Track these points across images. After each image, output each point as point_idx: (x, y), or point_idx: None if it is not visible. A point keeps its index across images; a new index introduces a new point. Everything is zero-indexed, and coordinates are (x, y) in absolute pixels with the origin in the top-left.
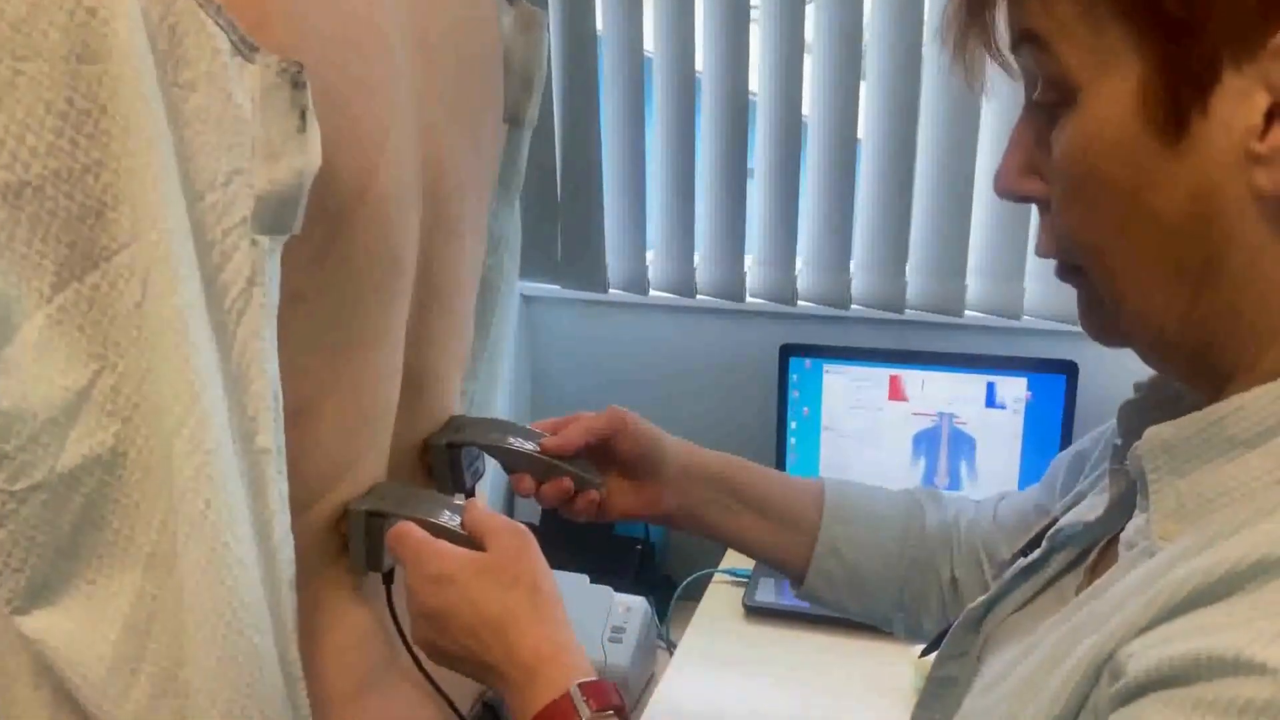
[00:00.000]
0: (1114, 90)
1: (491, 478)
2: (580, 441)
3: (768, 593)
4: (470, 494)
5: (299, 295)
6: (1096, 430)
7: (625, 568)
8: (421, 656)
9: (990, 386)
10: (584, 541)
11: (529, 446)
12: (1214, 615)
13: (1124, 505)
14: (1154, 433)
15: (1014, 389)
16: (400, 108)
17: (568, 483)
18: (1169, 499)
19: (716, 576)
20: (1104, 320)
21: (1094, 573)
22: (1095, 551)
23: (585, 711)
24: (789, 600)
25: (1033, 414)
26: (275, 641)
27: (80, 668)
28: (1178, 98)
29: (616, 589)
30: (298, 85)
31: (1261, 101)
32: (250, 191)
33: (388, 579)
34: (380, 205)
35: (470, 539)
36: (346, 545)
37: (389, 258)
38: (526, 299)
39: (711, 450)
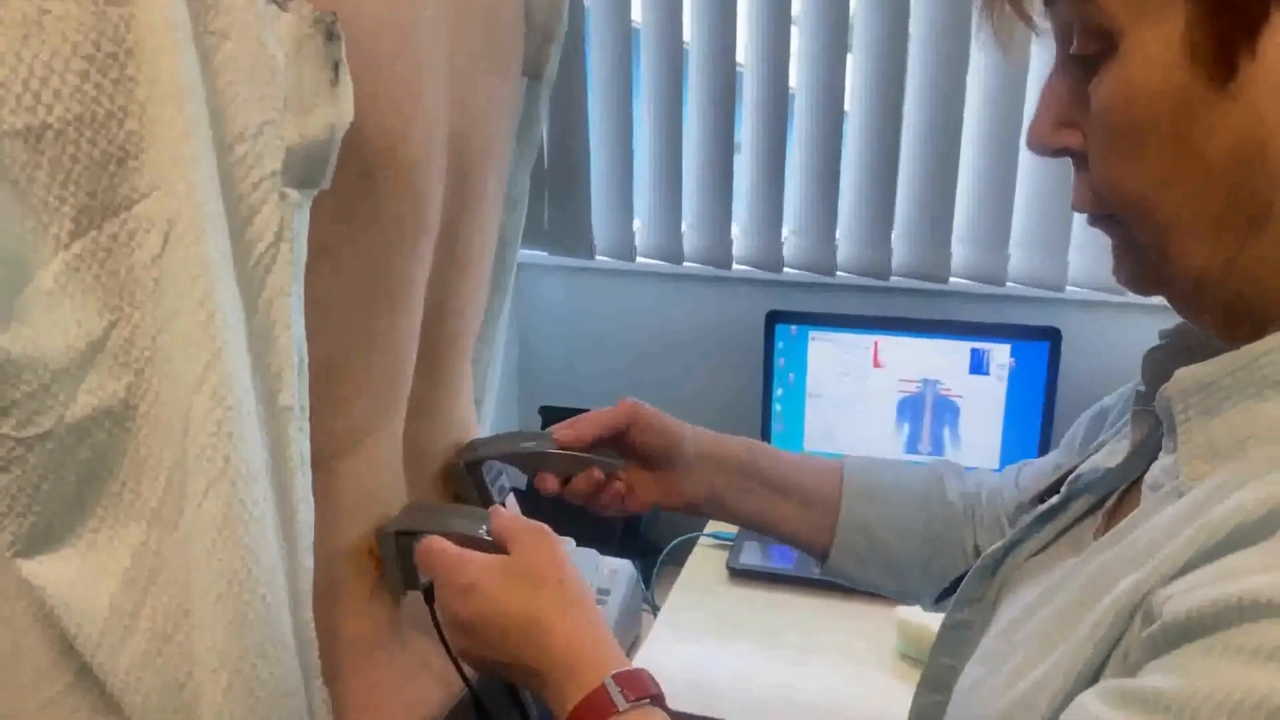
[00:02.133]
0: (1158, 35)
1: None
2: (594, 432)
3: (752, 555)
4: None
5: (325, 251)
6: (1120, 389)
7: (611, 532)
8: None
9: (974, 353)
10: (570, 506)
11: (546, 446)
12: (1253, 557)
13: (1145, 452)
14: (1186, 373)
15: (998, 355)
16: (431, 69)
17: (596, 472)
18: (1199, 439)
19: (701, 540)
20: (1142, 269)
21: (1112, 518)
22: (1114, 497)
23: (622, 702)
24: (773, 563)
25: (1016, 380)
26: (289, 602)
27: (77, 616)
28: (1225, 38)
29: (602, 553)
30: (332, 36)
31: None
32: (280, 144)
33: (429, 597)
34: (410, 166)
35: (498, 545)
36: (381, 566)
37: (415, 217)
38: None
39: (727, 434)
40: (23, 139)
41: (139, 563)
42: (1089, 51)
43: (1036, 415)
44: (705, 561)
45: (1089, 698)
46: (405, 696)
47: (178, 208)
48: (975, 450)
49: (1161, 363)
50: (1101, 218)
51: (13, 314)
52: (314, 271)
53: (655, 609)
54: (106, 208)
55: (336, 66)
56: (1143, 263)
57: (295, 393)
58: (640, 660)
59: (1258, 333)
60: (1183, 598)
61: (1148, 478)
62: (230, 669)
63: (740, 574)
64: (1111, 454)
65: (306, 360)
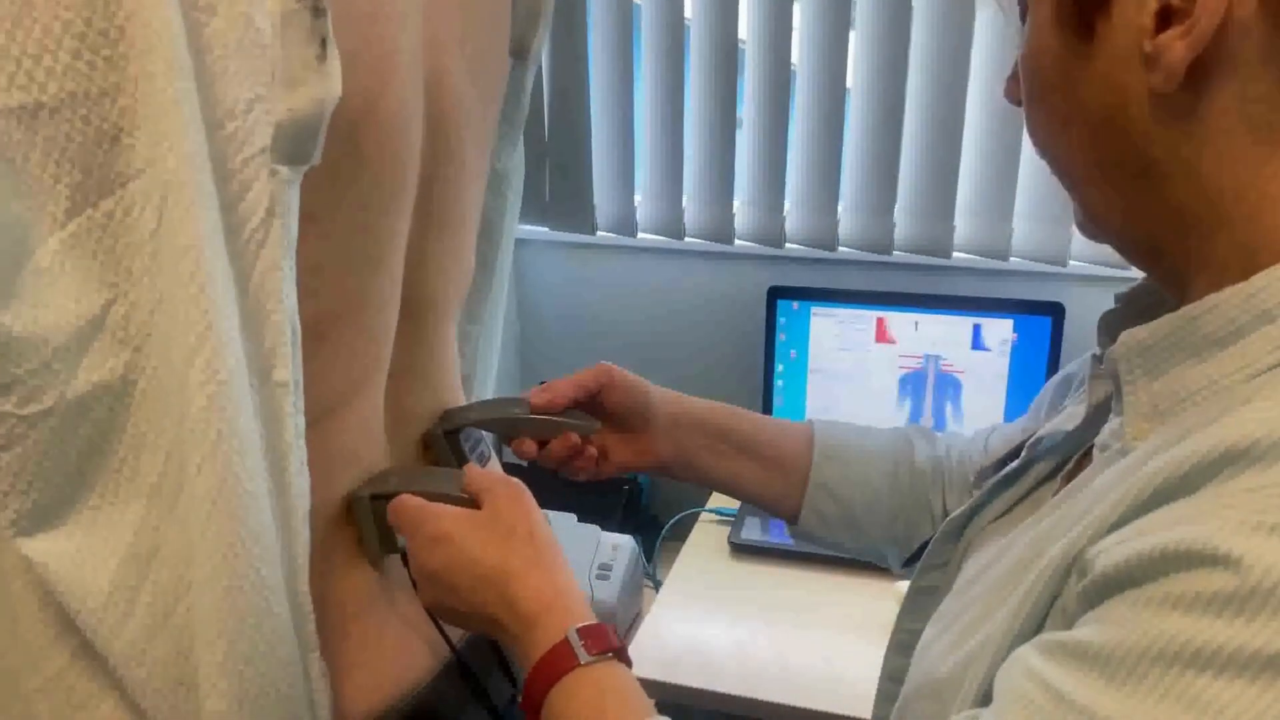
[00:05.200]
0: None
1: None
2: (569, 395)
3: (753, 531)
4: None
5: (310, 216)
6: (1084, 356)
7: (613, 508)
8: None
9: (976, 328)
10: (571, 482)
11: (521, 411)
12: (1181, 509)
13: (1102, 414)
14: (1129, 335)
15: (1000, 331)
16: (408, 26)
17: (573, 436)
18: (1142, 400)
19: (703, 516)
20: (1078, 216)
21: (1070, 481)
22: (1073, 461)
23: (584, 656)
24: (774, 538)
25: (1018, 356)
26: (285, 575)
27: (79, 593)
28: (1082, 4)
29: (604, 529)
30: (318, 12)
31: (1152, 3)
32: (269, 119)
33: (406, 560)
34: (388, 124)
35: (472, 501)
36: (359, 533)
37: (394, 178)
38: (514, 242)
39: (699, 398)
40: (17, 118)
41: (140, 539)
42: (1021, 13)
43: (1038, 391)
44: (707, 537)
45: (1024, 650)
46: (394, 657)
47: (168, 182)
48: (977, 426)
49: (1115, 326)
50: None
51: (13, 292)
52: (300, 235)
53: (657, 584)
54: (101, 185)
55: (324, 42)
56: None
57: (290, 369)
58: (642, 634)
59: (1183, 279)
60: (1112, 552)
61: (1098, 439)
62: (226, 640)
63: (742, 549)
64: (1070, 417)
65: (300, 336)
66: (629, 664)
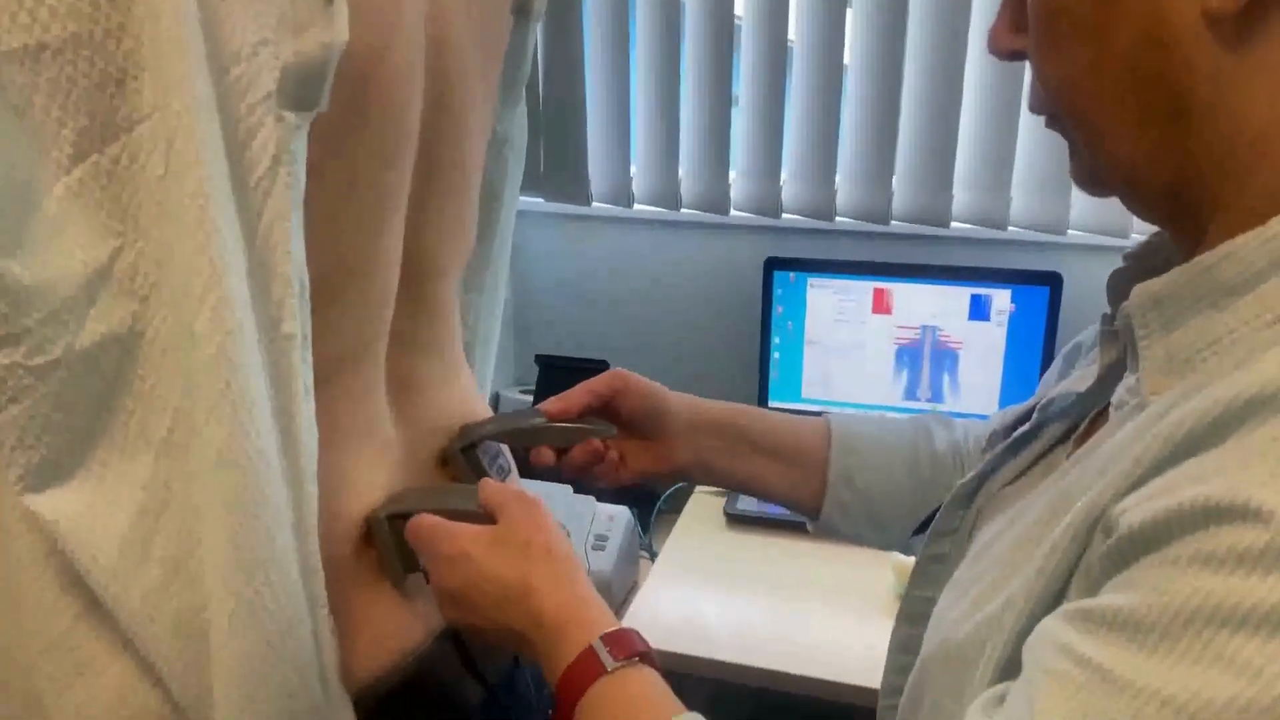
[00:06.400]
0: None
1: None
2: (583, 401)
3: (749, 502)
4: None
5: (315, 170)
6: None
7: None
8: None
9: (974, 299)
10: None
11: (537, 420)
12: (1206, 462)
13: (1115, 374)
14: (1143, 288)
15: (998, 301)
16: None
17: (594, 442)
18: (1159, 354)
19: (699, 489)
20: (1086, 167)
21: (1084, 443)
22: (1086, 422)
23: (610, 662)
24: (770, 509)
25: (1016, 326)
26: (294, 532)
27: (91, 549)
28: None
29: (600, 500)
30: None
31: None
32: (276, 64)
33: (430, 577)
34: (392, 77)
35: (489, 516)
36: (379, 555)
37: (399, 131)
38: None
39: (713, 400)
40: (19, 59)
41: (150, 493)
42: None
43: (1036, 361)
44: (702, 508)
45: (1052, 621)
46: (394, 623)
47: (174, 126)
48: (975, 397)
49: (1125, 284)
50: (1053, 119)
51: (21, 241)
52: (305, 190)
53: (653, 555)
54: (107, 130)
55: None
56: (1085, 162)
57: (299, 321)
58: (638, 604)
59: (1200, 227)
60: (1138, 509)
61: (1114, 397)
62: (235, 595)
63: (737, 520)
64: (1082, 378)
65: (308, 288)
66: (657, 666)
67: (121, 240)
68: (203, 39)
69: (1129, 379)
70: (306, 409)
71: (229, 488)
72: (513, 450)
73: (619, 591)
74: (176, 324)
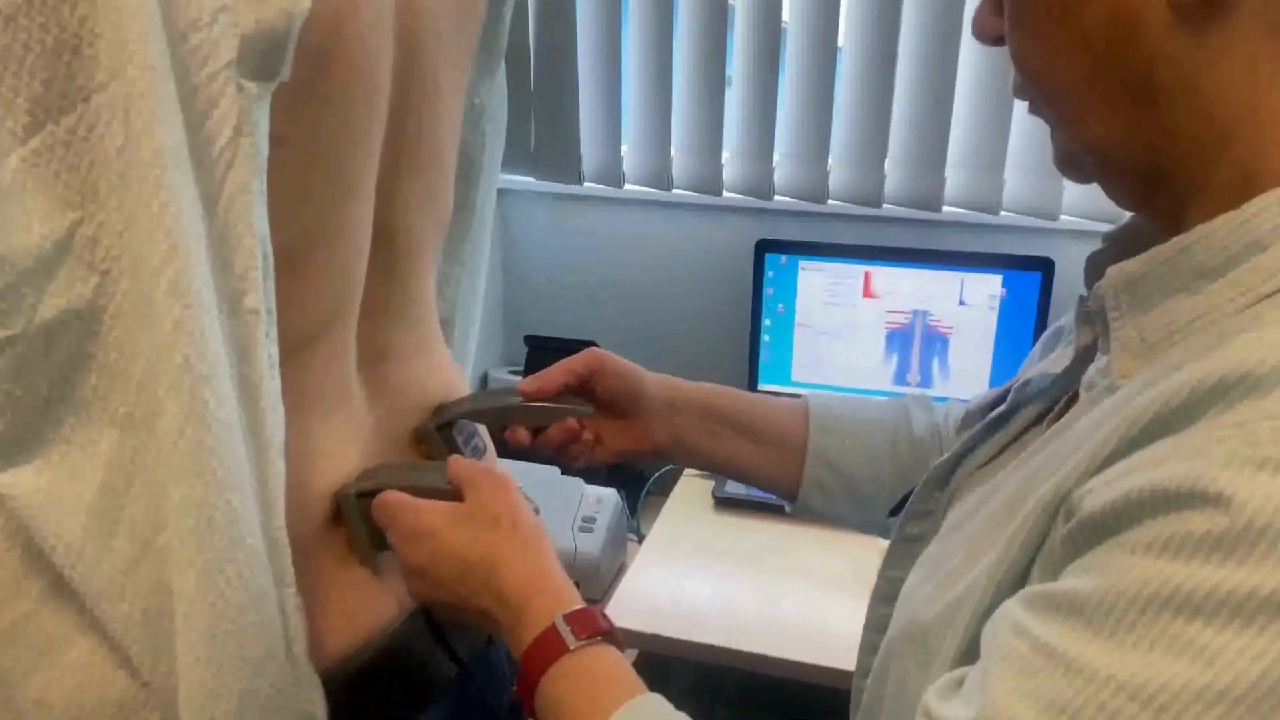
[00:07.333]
0: None
1: None
2: (559, 380)
3: (738, 485)
4: None
5: (281, 139)
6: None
7: None
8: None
9: (965, 284)
10: None
11: (513, 399)
12: (1171, 445)
13: (1090, 356)
14: (1116, 269)
15: (989, 286)
16: None
17: (569, 421)
18: (1130, 336)
19: (687, 472)
20: (1063, 151)
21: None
22: (1061, 404)
23: (572, 641)
24: (758, 492)
25: (1007, 311)
26: (259, 507)
27: (54, 528)
28: None
29: (588, 482)
30: None
31: None
32: (235, 31)
33: None
34: (358, 43)
35: (457, 493)
36: (348, 532)
37: (365, 100)
38: (499, 192)
39: (691, 381)
40: None
41: (114, 470)
42: None
43: (1027, 346)
44: (690, 491)
45: (1012, 604)
46: (364, 599)
47: (130, 95)
48: (965, 381)
49: (1103, 265)
50: (1034, 104)
51: None
52: (272, 159)
53: (641, 537)
54: (63, 99)
55: None
56: (1062, 145)
57: (262, 296)
58: (625, 587)
59: (1177, 212)
60: (1099, 493)
61: (1085, 378)
62: (198, 569)
63: (725, 502)
64: (1059, 360)
65: (273, 261)
66: (619, 644)
67: (81, 212)
68: (158, 6)
69: (1100, 360)
70: (272, 383)
71: (191, 462)
72: (490, 429)
73: (606, 574)
74: (139, 298)
